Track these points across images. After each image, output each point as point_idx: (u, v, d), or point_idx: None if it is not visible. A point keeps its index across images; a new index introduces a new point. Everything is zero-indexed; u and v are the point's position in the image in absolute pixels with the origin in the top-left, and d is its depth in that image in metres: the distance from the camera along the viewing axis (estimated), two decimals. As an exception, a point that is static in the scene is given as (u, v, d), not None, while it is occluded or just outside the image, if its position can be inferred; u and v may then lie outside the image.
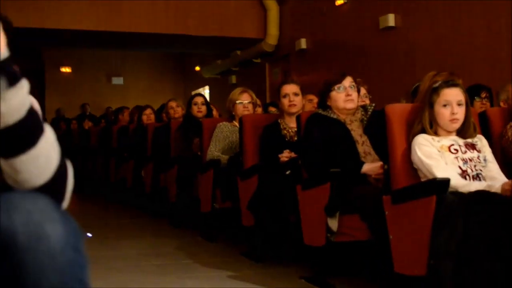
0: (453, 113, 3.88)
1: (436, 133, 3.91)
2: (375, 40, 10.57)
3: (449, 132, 3.94)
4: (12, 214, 1.46)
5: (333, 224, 4.52)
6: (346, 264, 5.15)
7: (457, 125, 3.91)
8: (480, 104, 5.85)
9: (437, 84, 3.97)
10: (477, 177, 3.79)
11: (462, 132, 3.96)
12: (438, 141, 3.88)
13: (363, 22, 10.89)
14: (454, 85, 3.95)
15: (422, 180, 3.85)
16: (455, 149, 3.86)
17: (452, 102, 3.89)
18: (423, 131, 3.91)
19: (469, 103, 4.00)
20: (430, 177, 3.73)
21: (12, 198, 1.50)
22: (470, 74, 8.04)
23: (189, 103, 7.88)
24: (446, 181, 3.54)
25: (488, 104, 5.87)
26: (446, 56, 8.85)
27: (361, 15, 10.97)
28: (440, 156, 3.81)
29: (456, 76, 4.60)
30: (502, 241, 3.24)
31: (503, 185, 3.59)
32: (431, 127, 3.91)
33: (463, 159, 3.83)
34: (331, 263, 4.86)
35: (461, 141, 3.92)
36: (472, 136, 3.96)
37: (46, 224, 1.47)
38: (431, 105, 3.92)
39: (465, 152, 3.87)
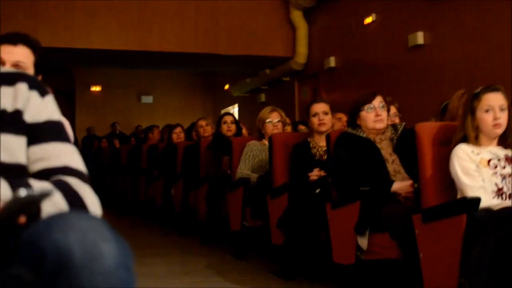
0: (495, 118, 3.80)
1: (477, 140, 3.84)
2: (404, 58, 10.57)
3: (491, 140, 3.87)
4: (68, 232, 1.48)
5: (363, 242, 4.53)
6: (376, 283, 5.14)
7: (500, 130, 3.83)
8: None
9: (478, 90, 3.90)
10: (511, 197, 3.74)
11: (503, 140, 3.87)
12: (478, 154, 3.81)
13: (392, 40, 10.89)
14: (496, 89, 3.88)
15: (458, 194, 3.82)
16: (494, 165, 3.80)
17: (494, 107, 3.81)
18: (465, 139, 3.85)
19: (511, 109, 3.91)
20: (462, 195, 3.72)
21: (67, 217, 1.53)
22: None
23: (218, 122, 7.93)
24: (477, 200, 3.53)
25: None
26: (475, 74, 8.82)
27: (390, 33, 10.97)
28: (477, 172, 3.76)
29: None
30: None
31: None
32: (472, 133, 3.84)
33: (501, 175, 3.77)
34: (360, 281, 4.86)
35: (501, 154, 3.84)
36: None
37: (101, 244, 1.49)
38: (473, 112, 3.86)
39: (504, 167, 3.80)
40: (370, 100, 4.88)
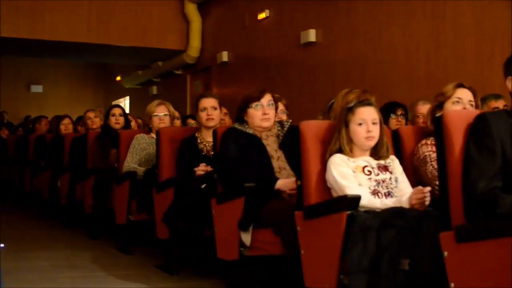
0: (368, 131, 3.92)
1: (352, 152, 3.94)
2: (296, 55, 10.66)
3: (364, 152, 3.97)
4: None
5: (246, 238, 4.55)
6: (259, 278, 5.16)
7: (372, 142, 3.95)
8: (396, 122, 5.94)
9: (352, 104, 4.01)
10: (388, 195, 3.84)
11: (375, 152, 4.00)
12: (353, 162, 3.91)
13: (285, 36, 10.97)
14: (369, 104, 4.01)
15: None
16: (368, 171, 3.91)
17: (367, 121, 3.93)
18: (340, 150, 3.94)
19: (383, 123, 4.06)
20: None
21: None
22: (388, 91, 8.18)
23: (106, 114, 7.84)
24: (357, 198, 3.58)
25: (404, 121, 5.97)
26: (365, 73, 8.98)
27: (283, 30, 11.05)
28: (354, 177, 3.85)
29: (369, 94, 4.67)
30: (414, 254, 3.30)
31: (411, 194, 3.70)
32: (347, 146, 3.94)
33: (376, 180, 3.88)
34: (243, 277, 4.87)
35: (374, 163, 3.96)
36: (385, 157, 4.00)
37: None
38: (347, 124, 3.96)
39: (378, 174, 3.92)
40: (258, 98, 4.89)
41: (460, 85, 4.36)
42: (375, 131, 3.95)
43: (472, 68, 7.25)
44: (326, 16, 9.93)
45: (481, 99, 5.47)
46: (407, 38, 8.32)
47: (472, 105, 4.30)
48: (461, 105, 4.27)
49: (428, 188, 3.68)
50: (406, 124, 5.87)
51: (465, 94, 4.32)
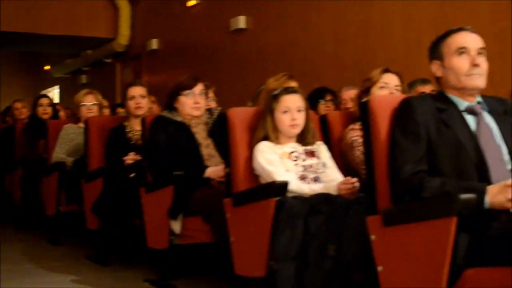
0: (293, 119, 3.93)
1: (277, 140, 3.94)
2: (226, 42, 10.63)
3: (289, 139, 3.98)
4: None
5: (176, 226, 4.54)
6: (189, 266, 5.15)
7: (297, 130, 3.96)
8: (324, 107, 5.97)
9: (277, 92, 4.01)
10: (316, 180, 3.86)
11: (301, 139, 4.01)
12: (280, 148, 3.92)
13: (214, 23, 10.92)
14: (294, 91, 4.02)
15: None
16: (295, 156, 3.92)
17: (292, 109, 3.94)
18: (266, 137, 3.94)
19: (309, 109, 4.07)
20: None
21: None
22: (317, 76, 8.21)
23: (34, 104, 7.74)
24: (285, 184, 3.59)
25: (333, 107, 6.00)
26: (295, 59, 8.99)
27: (213, 17, 11.00)
28: (280, 163, 3.86)
29: (293, 80, 4.69)
30: (340, 240, 3.32)
31: (339, 184, 3.71)
32: (273, 133, 3.94)
33: (303, 166, 3.89)
34: (174, 265, 4.86)
35: (301, 149, 3.97)
36: (311, 143, 4.02)
37: None
38: (272, 112, 3.96)
39: (305, 159, 3.93)
40: (191, 86, 4.87)
41: (387, 70, 4.38)
42: (300, 118, 3.96)
43: (400, 53, 7.30)
44: (255, 2, 9.91)
45: (409, 84, 5.52)
46: (335, 24, 8.35)
47: (398, 90, 4.33)
48: (388, 90, 4.29)
49: (355, 179, 3.70)
50: (335, 109, 5.90)
51: (391, 79, 4.34)
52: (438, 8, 6.86)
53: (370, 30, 7.79)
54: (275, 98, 3.97)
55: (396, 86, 4.33)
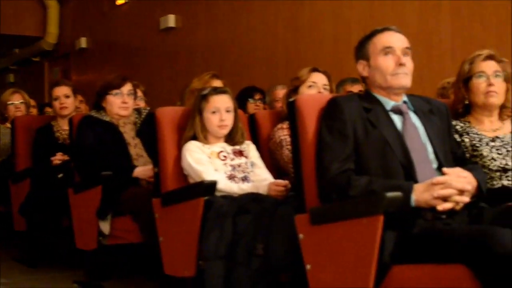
0: (221, 119, 3.93)
1: (206, 139, 3.94)
2: (155, 41, 10.56)
3: (218, 138, 3.98)
4: None
5: (105, 227, 4.51)
6: (119, 267, 5.11)
7: (225, 131, 3.97)
8: (254, 106, 5.98)
9: (206, 92, 4.01)
10: (245, 179, 3.87)
11: (230, 138, 4.02)
12: (208, 148, 3.92)
13: (144, 22, 10.85)
14: (223, 92, 4.02)
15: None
16: (224, 156, 3.92)
17: (220, 109, 3.94)
18: (195, 137, 3.93)
19: (237, 109, 4.08)
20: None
21: None
22: (248, 75, 8.22)
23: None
24: (213, 183, 3.60)
25: (262, 105, 6.01)
26: (225, 58, 8.98)
27: (142, 15, 10.93)
28: (209, 163, 3.85)
29: (218, 79, 4.69)
30: (268, 239, 3.33)
31: (269, 185, 3.71)
32: (201, 133, 3.93)
33: (231, 165, 3.90)
34: (103, 266, 4.82)
35: (229, 148, 3.98)
36: (239, 143, 4.03)
37: None
38: (201, 112, 3.95)
39: (233, 159, 3.94)
40: (119, 86, 4.85)
41: (315, 70, 4.41)
42: (228, 119, 3.97)
43: (329, 52, 7.35)
44: (185, 1, 9.88)
45: (338, 83, 5.57)
46: (265, 23, 8.37)
47: (326, 89, 4.35)
48: (316, 89, 4.32)
49: (287, 182, 3.71)
50: (264, 108, 5.91)
51: (319, 78, 4.37)
52: (366, 7, 6.93)
53: (300, 29, 7.83)
54: (204, 98, 3.97)
55: (324, 85, 4.36)
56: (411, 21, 6.46)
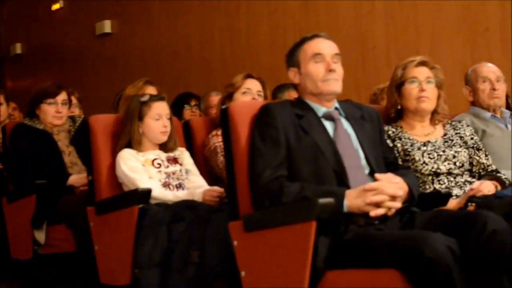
0: (164, 126, 3.93)
1: (141, 147, 3.92)
2: (91, 46, 10.48)
3: (152, 146, 3.97)
4: None
5: (40, 236, 4.48)
6: (54, 277, 5.06)
7: (166, 137, 3.97)
8: (190, 112, 5.96)
9: (146, 98, 3.99)
10: (180, 187, 3.86)
11: (164, 146, 4.00)
12: (143, 156, 3.90)
13: (80, 28, 10.76)
14: (162, 99, 4.03)
15: (129, 190, 3.86)
16: (158, 163, 3.91)
17: (163, 116, 3.94)
18: (129, 144, 3.91)
19: (172, 116, 4.08)
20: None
21: None
22: (185, 81, 8.21)
23: None
24: (147, 191, 3.58)
25: (198, 112, 6.00)
26: (162, 64, 8.96)
27: (78, 21, 10.83)
28: (144, 170, 3.84)
29: (152, 85, 4.68)
30: (203, 246, 3.34)
31: (204, 192, 3.73)
32: (136, 140, 3.91)
33: (166, 173, 3.89)
34: (39, 276, 4.76)
35: (163, 156, 3.97)
36: (173, 150, 4.02)
37: None
38: (141, 118, 3.94)
39: (168, 166, 3.93)
40: (54, 95, 4.82)
41: (249, 76, 4.42)
42: (169, 125, 3.98)
43: (265, 59, 7.38)
44: (121, 7, 9.82)
45: (275, 89, 5.58)
46: (201, 28, 8.37)
47: (260, 95, 4.37)
48: (250, 95, 4.33)
49: (222, 190, 3.71)
50: (200, 115, 5.90)
51: (253, 85, 4.38)
52: (302, 13, 6.98)
53: (236, 35, 7.85)
54: (145, 104, 3.95)
55: (259, 91, 4.38)
56: (346, 27, 6.53)
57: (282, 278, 2.79)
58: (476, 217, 2.63)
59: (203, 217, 3.42)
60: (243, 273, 2.99)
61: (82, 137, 4.42)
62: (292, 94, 5.59)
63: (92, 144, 3.93)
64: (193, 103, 6.03)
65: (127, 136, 3.92)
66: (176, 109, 5.53)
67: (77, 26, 10.84)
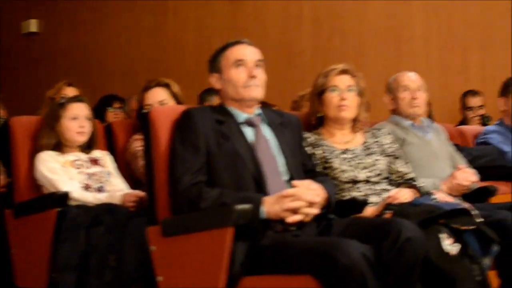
0: (81, 126, 3.92)
1: (60, 149, 3.89)
2: (17, 46, 10.32)
3: (73, 148, 3.95)
4: None
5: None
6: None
7: (84, 138, 3.96)
8: (113, 115, 5.92)
9: (63, 100, 4.02)
10: (101, 189, 3.84)
11: (85, 147, 3.99)
12: (62, 157, 3.87)
13: (5, 26, 10.58)
14: (81, 100, 4.03)
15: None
16: (79, 165, 3.88)
17: (80, 116, 3.94)
18: (48, 146, 3.87)
19: (93, 118, 4.06)
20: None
21: None
22: (110, 83, 8.16)
23: None
24: (65, 194, 3.57)
25: (122, 114, 5.95)
26: (88, 65, 8.88)
27: (3, 19, 10.65)
28: (64, 172, 3.81)
29: (72, 87, 4.64)
30: (120, 250, 3.33)
31: (124, 195, 3.73)
32: (56, 142, 3.88)
33: (87, 174, 3.87)
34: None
35: (84, 157, 3.95)
36: (93, 151, 4.01)
37: None
38: (58, 120, 3.91)
39: (89, 167, 3.91)
40: None
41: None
42: (88, 126, 3.96)
43: (192, 62, 7.38)
44: (47, 6, 9.71)
45: (202, 92, 5.59)
46: (128, 30, 8.34)
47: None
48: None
49: (142, 193, 3.69)
50: (124, 117, 5.86)
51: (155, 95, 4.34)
52: (229, 18, 7.00)
53: (163, 37, 7.83)
54: (62, 106, 3.94)
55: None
56: (273, 32, 6.56)
57: (199, 284, 2.80)
58: (391, 225, 2.67)
59: (122, 221, 3.41)
60: (160, 278, 2.99)
61: (1, 138, 4.36)
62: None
63: (11, 146, 3.89)
64: (116, 105, 5.99)
65: (44, 137, 3.89)
66: (99, 111, 5.48)
67: (3, 24, 10.66)
